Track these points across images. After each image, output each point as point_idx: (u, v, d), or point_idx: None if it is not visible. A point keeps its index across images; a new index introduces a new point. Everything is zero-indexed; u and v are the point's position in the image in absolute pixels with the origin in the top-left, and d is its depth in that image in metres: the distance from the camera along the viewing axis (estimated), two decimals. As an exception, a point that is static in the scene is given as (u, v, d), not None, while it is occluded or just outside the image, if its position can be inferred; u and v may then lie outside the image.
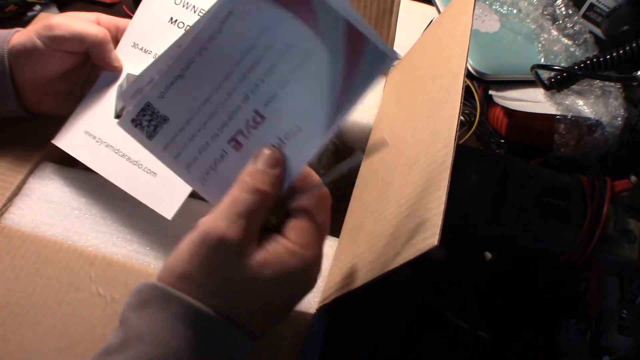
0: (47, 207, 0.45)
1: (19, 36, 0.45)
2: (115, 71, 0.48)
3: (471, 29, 0.38)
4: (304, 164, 0.33)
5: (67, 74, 0.47)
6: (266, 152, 0.33)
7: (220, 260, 0.31)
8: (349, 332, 0.50)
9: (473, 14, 0.38)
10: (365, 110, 0.55)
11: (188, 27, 0.47)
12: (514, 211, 0.46)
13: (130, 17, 0.49)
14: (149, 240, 0.44)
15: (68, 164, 0.48)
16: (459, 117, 0.33)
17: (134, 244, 0.44)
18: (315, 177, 0.35)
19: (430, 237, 0.29)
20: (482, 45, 0.64)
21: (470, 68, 0.62)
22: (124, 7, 0.73)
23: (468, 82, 0.65)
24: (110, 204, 0.46)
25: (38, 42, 0.44)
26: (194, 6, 0.48)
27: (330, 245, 0.44)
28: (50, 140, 0.47)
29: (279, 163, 0.33)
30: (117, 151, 0.45)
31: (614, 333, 0.48)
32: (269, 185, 0.32)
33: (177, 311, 0.30)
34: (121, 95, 0.47)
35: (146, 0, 0.49)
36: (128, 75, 0.48)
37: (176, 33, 0.45)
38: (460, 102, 0.34)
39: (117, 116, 0.46)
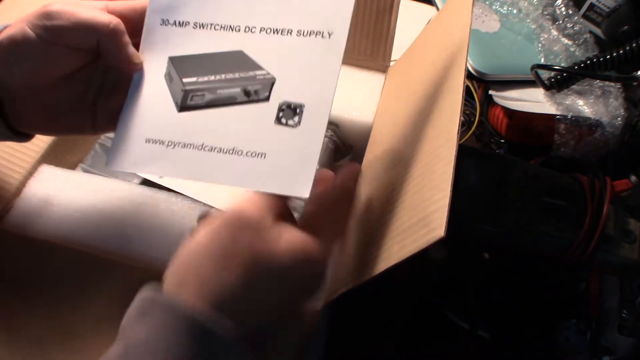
0: (47, 209, 0.45)
1: (7, 30, 0.36)
2: (135, 70, 0.38)
3: (470, 28, 0.38)
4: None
5: (71, 78, 0.38)
6: None
7: (243, 233, 0.29)
8: (350, 332, 0.50)
9: (472, 13, 0.38)
10: (365, 109, 0.55)
11: None
12: (514, 211, 0.46)
13: None
14: (151, 241, 0.44)
15: (68, 166, 0.48)
16: (460, 112, 0.33)
17: (136, 245, 0.44)
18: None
19: (436, 229, 0.28)
20: (482, 45, 0.64)
21: (470, 68, 0.62)
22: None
23: (468, 82, 0.65)
24: (111, 205, 0.46)
25: (31, 34, 0.35)
26: None
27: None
28: (44, 140, 0.47)
29: None
30: (201, 147, 0.37)
31: (614, 333, 0.48)
32: None
33: (179, 323, 0.28)
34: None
35: None
36: (171, 59, 0.39)
37: None
38: (461, 101, 0.34)
39: (182, 108, 0.38)
